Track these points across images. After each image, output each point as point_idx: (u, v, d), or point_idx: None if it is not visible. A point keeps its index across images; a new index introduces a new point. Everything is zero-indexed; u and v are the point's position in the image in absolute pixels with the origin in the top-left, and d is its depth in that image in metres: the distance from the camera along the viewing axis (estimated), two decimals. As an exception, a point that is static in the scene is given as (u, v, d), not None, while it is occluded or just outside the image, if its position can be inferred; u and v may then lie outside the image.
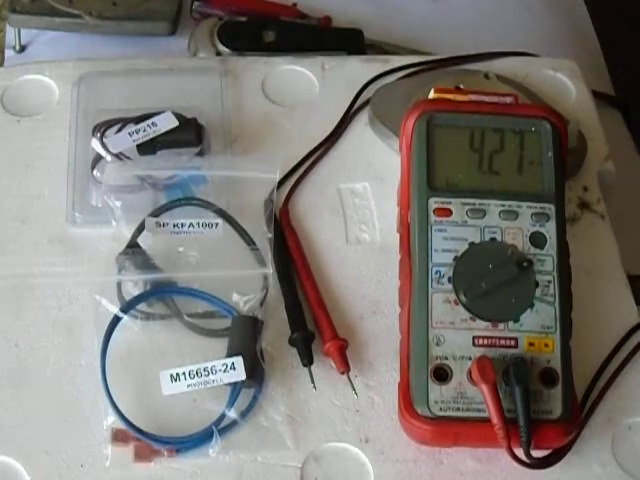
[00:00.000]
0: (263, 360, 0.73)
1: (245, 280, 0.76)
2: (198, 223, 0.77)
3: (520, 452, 0.67)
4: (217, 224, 0.78)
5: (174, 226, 0.77)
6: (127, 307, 0.74)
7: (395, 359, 0.73)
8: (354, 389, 0.73)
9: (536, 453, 0.68)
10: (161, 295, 0.75)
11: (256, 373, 0.71)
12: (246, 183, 0.80)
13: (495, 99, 0.78)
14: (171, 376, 0.71)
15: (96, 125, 0.83)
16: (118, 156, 0.81)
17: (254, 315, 0.74)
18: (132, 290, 0.75)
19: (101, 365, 0.72)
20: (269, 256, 0.77)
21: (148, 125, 0.82)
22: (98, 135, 0.82)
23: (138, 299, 0.75)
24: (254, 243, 0.78)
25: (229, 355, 0.72)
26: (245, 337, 0.73)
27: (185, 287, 0.76)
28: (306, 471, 0.70)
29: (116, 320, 0.74)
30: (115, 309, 0.74)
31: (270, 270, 0.76)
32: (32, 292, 0.77)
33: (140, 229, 0.77)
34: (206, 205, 0.79)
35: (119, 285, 0.75)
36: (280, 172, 0.84)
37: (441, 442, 0.70)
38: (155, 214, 0.78)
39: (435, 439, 0.69)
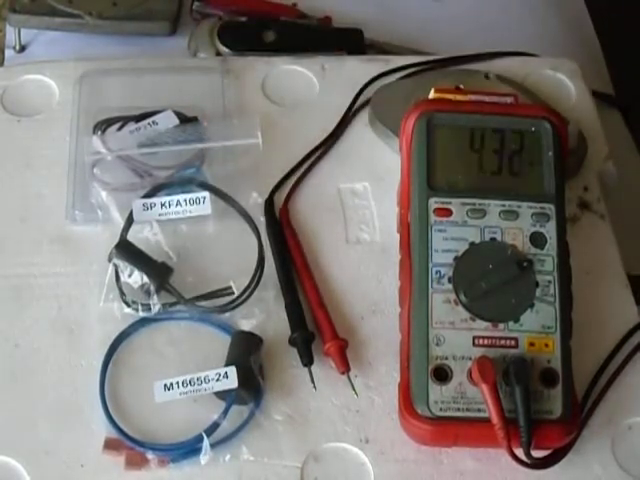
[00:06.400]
0: (262, 377, 0.73)
1: (248, 304, 0.76)
2: (185, 200, 0.78)
3: (520, 452, 0.67)
4: (204, 198, 0.78)
5: (162, 206, 0.78)
6: (129, 330, 0.75)
7: (395, 359, 0.73)
8: (354, 389, 0.73)
9: (536, 453, 0.68)
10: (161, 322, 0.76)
11: (250, 385, 0.71)
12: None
13: (495, 99, 0.78)
14: (165, 385, 0.71)
15: (97, 123, 0.83)
16: (118, 154, 0.81)
17: (252, 331, 0.74)
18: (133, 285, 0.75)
19: (100, 380, 0.72)
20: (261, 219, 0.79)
21: (149, 123, 0.82)
22: (99, 133, 0.82)
23: (141, 323, 0.75)
24: (247, 214, 0.79)
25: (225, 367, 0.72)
26: (240, 350, 0.73)
27: (185, 312, 0.76)
28: (306, 471, 0.70)
29: (117, 343, 0.74)
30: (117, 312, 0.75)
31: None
32: (32, 292, 0.77)
33: (131, 219, 0.78)
34: (190, 181, 0.79)
35: (120, 288, 0.75)
36: (280, 172, 0.84)
37: (441, 442, 0.70)
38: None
39: (435, 439, 0.69)
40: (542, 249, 0.72)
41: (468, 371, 0.68)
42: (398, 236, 0.77)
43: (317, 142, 0.87)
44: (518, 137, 0.75)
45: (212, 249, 0.79)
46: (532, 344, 0.69)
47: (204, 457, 0.69)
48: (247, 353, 0.72)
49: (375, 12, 1.08)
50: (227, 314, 0.75)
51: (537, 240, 0.72)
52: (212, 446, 0.69)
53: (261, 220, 0.80)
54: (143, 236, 0.78)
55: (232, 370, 0.71)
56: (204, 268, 0.78)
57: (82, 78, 0.88)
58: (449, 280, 0.71)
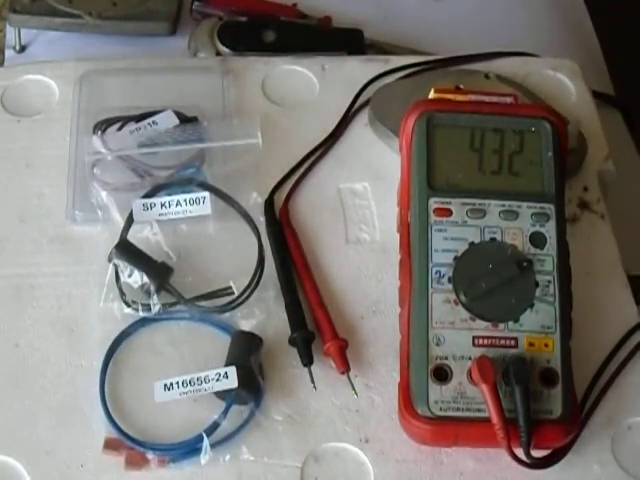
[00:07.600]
0: (262, 377, 0.73)
1: (248, 304, 0.76)
2: (185, 200, 0.78)
3: (520, 452, 0.67)
4: (204, 198, 0.78)
5: (162, 206, 0.78)
6: (129, 330, 0.75)
7: (395, 359, 0.73)
8: (354, 389, 0.73)
9: (536, 453, 0.68)
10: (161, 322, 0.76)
11: (250, 385, 0.71)
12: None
13: (495, 99, 0.78)
14: (164, 385, 0.71)
15: (97, 123, 0.83)
16: (118, 154, 0.81)
17: (252, 331, 0.74)
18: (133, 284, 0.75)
19: (100, 380, 0.72)
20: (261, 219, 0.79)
21: (149, 123, 0.82)
22: (99, 133, 0.82)
23: (141, 323, 0.75)
24: (247, 214, 0.79)
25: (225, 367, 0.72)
26: (240, 350, 0.73)
27: (185, 312, 0.76)
28: (306, 471, 0.70)
29: (117, 343, 0.74)
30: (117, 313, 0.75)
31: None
32: (32, 292, 0.77)
33: (131, 219, 0.78)
34: (190, 181, 0.80)
35: (120, 288, 0.75)
36: (280, 172, 0.84)
37: (441, 442, 0.70)
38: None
39: (435, 439, 0.69)
40: (542, 249, 0.72)
41: (468, 371, 0.68)
42: (398, 236, 0.77)
43: (317, 142, 0.87)
44: (518, 137, 0.75)
45: (212, 249, 0.79)
46: (532, 344, 0.69)
47: (204, 457, 0.69)
48: (247, 353, 0.72)
49: (375, 12, 1.08)
50: (227, 314, 0.75)
51: (537, 240, 0.72)
52: (212, 446, 0.69)
53: (261, 220, 0.80)
54: (143, 236, 0.78)
55: (232, 370, 0.71)
56: (204, 268, 0.78)
57: (82, 78, 0.88)
58: (449, 280, 0.71)
